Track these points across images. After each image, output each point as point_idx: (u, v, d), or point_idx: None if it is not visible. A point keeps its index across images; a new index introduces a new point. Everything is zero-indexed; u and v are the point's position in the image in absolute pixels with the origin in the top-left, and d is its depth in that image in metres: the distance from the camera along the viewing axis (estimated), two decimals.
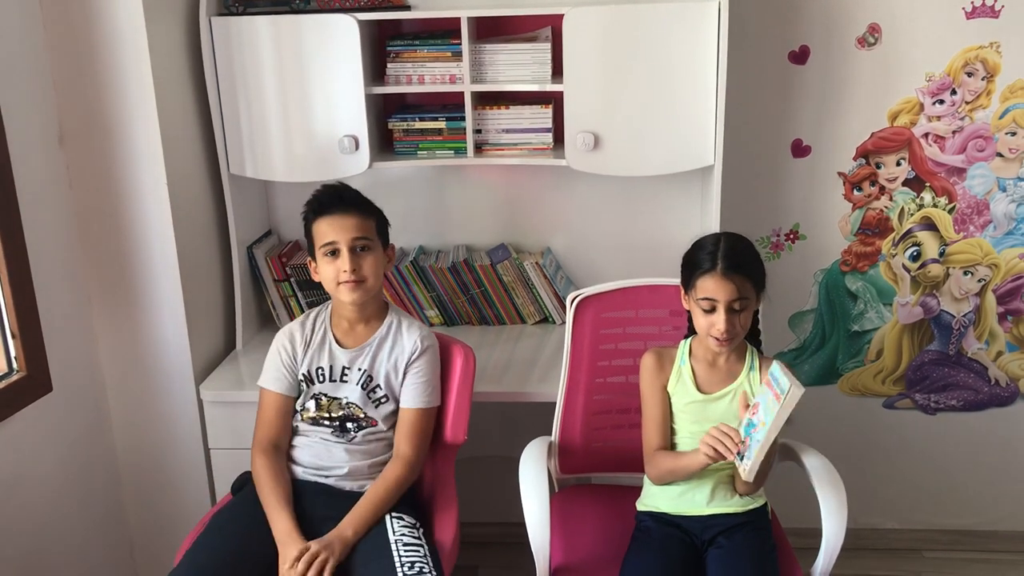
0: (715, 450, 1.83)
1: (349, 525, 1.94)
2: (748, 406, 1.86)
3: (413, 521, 2.00)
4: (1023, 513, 2.96)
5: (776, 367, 1.81)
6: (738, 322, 1.92)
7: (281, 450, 2.09)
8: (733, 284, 1.90)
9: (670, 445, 2.05)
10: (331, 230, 2.02)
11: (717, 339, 1.93)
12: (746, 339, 2.07)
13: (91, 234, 2.34)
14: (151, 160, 2.29)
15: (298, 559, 1.84)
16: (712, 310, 1.92)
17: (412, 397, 2.09)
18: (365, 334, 2.12)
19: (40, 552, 2.24)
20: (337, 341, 2.12)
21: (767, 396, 1.79)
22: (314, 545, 1.87)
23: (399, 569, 1.84)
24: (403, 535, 1.93)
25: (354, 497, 2.02)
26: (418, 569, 1.84)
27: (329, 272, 2.04)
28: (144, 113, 2.26)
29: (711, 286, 1.91)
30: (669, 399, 2.05)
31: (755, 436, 1.80)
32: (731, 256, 1.92)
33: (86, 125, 2.27)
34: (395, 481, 2.03)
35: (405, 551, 1.89)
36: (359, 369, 2.09)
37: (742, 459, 1.82)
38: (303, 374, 2.10)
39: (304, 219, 2.08)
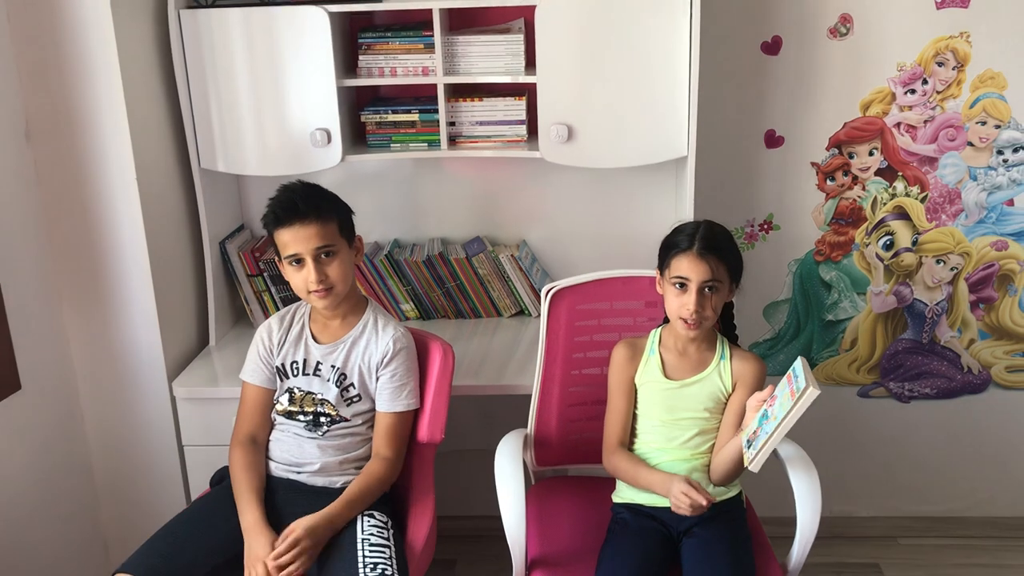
0: (690, 507, 1.84)
1: (338, 513, 1.93)
2: (764, 401, 1.85)
3: (384, 520, 1.99)
4: (996, 499, 3.00)
5: (799, 364, 1.80)
6: (708, 304, 1.93)
7: (259, 443, 2.08)
8: (707, 265, 1.91)
9: (641, 434, 2.07)
10: (292, 241, 1.98)
11: (686, 321, 1.94)
12: (721, 331, 2.08)
13: (60, 230, 2.32)
14: (120, 155, 2.26)
15: (278, 546, 1.84)
16: (683, 288, 1.93)
17: (388, 401, 2.08)
18: (341, 330, 2.11)
19: (11, 551, 2.21)
20: (313, 336, 2.11)
21: (785, 391, 1.79)
22: (300, 529, 1.86)
23: (361, 569, 1.84)
24: (371, 534, 1.93)
25: (324, 492, 2.02)
26: (380, 571, 1.84)
27: (297, 281, 2.02)
28: (112, 108, 2.23)
29: (685, 265, 1.93)
30: (637, 390, 2.06)
31: (765, 428, 1.80)
32: (708, 238, 1.94)
33: (53, 120, 2.24)
34: (377, 478, 2.03)
35: (370, 551, 1.88)
36: (332, 366, 2.08)
37: (749, 447, 1.82)
38: (277, 367, 2.09)
39: (265, 227, 2.05)
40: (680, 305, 1.94)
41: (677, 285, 1.95)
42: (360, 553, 1.87)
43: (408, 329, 2.17)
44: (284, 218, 1.99)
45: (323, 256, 1.99)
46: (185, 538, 1.92)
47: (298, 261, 2.00)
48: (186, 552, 1.88)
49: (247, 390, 2.11)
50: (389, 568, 1.85)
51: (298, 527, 1.87)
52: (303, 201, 1.99)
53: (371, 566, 1.84)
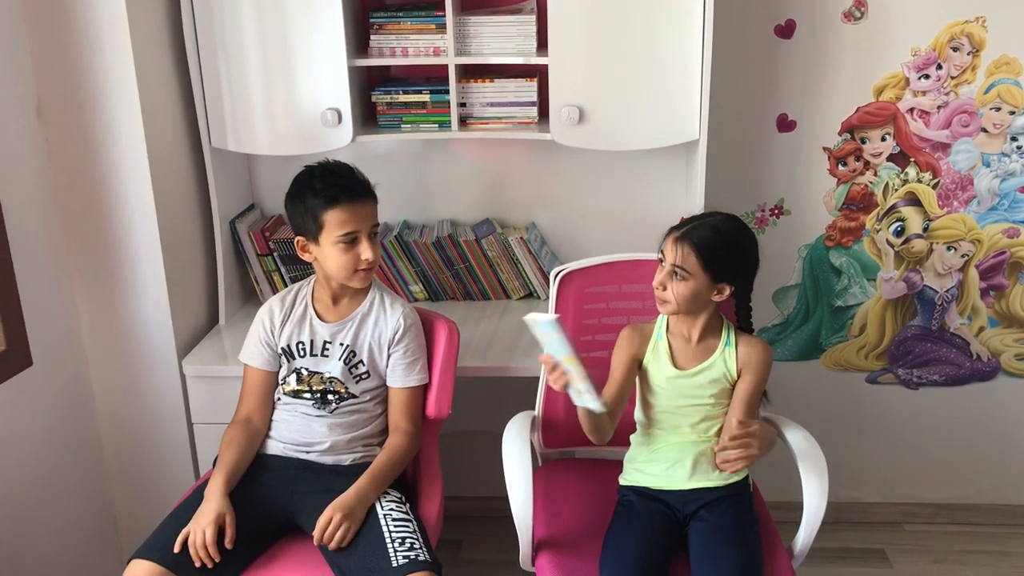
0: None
1: (366, 487, 1.95)
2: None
3: (399, 496, 2.01)
4: (1003, 486, 3.00)
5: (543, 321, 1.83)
6: (671, 286, 1.95)
7: (252, 423, 2.09)
8: (678, 250, 1.94)
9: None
10: (352, 220, 1.98)
11: (656, 295, 1.99)
12: (736, 318, 2.08)
13: (71, 208, 2.32)
14: (131, 133, 2.26)
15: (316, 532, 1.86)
16: (663, 267, 1.97)
17: (402, 377, 2.10)
18: (348, 308, 2.11)
19: (22, 526, 2.23)
20: (318, 315, 2.11)
21: (551, 339, 1.82)
22: (337, 514, 1.88)
23: (389, 545, 1.85)
24: (392, 510, 1.94)
25: (335, 471, 2.03)
26: (409, 544, 1.85)
27: (344, 260, 2.00)
28: (124, 85, 2.23)
29: (667, 243, 1.97)
30: (646, 374, 2.06)
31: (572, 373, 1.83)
32: (696, 228, 1.95)
33: (65, 98, 2.24)
34: (401, 451, 2.05)
35: (395, 526, 1.89)
36: (341, 344, 2.08)
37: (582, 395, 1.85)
38: (282, 348, 2.10)
39: (306, 205, 2.01)
40: (655, 279, 1.99)
41: (660, 260, 1.99)
42: (386, 530, 1.88)
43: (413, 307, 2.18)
44: (346, 197, 1.99)
45: (373, 235, 2.03)
46: None
47: (351, 240, 2.00)
48: None
49: (246, 372, 2.13)
50: (417, 542, 1.87)
51: (330, 507, 1.89)
52: (360, 178, 2.04)
53: (399, 541, 1.85)
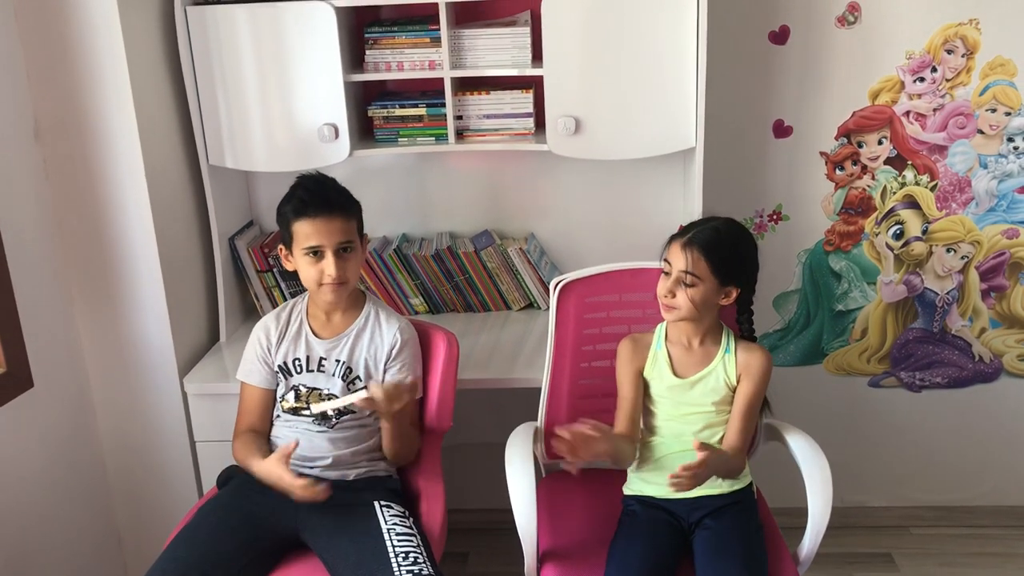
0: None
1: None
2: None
3: (402, 510, 2.00)
4: (1008, 488, 2.99)
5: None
6: (683, 295, 1.94)
7: (258, 433, 2.09)
8: (687, 256, 1.93)
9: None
10: (316, 234, 1.98)
11: (662, 303, 1.97)
12: (738, 324, 2.08)
13: (70, 228, 2.33)
14: (129, 152, 2.27)
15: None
16: (669, 275, 1.97)
17: None
18: (342, 324, 2.11)
19: (27, 547, 2.23)
20: (313, 331, 2.11)
21: None
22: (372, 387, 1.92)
23: (393, 560, 1.84)
24: (395, 524, 1.93)
25: (338, 486, 2.02)
26: (412, 559, 1.84)
27: (311, 273, 2.01)
28: (121, 105, 2.23)
29: (673, 251, 1.97)
30: (647, 384, 2.06)
31: None
32: (702, 233, 1.95)
33: (62, 118, 2.25)
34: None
35: (399, 541, 1.89)
36: (336, 360, 2.08)
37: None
38: (279, 365, 2.10)
39: (281, 214, 2.04)
40: (661, 288, 1.98)
41: (664, 269, 1.98)
42: (389, 543, 1.87)
43: (409, 320, 2.18)
44: (312, 210, 1.99)
45: (342, 251, 2.01)
46: (205, 543, 1.90)
47: (315, 253, 2.00)
48: (208, 558, 1.87)
49: (244, 390, 2.13)
50: (421, 556, 1.86)
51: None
52: (335, 194, 2.03)
53: (403, 555, 1.85)
